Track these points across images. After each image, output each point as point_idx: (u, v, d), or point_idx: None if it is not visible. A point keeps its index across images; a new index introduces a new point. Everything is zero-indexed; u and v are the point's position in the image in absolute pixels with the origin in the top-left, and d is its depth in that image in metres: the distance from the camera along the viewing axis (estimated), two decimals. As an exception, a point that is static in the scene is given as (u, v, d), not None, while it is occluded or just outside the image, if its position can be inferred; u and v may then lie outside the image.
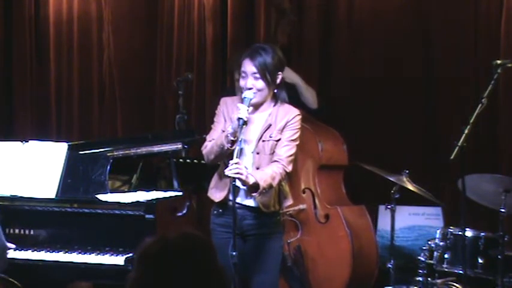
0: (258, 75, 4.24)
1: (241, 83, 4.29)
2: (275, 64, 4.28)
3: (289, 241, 5.33)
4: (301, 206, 5.36)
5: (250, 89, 4.24)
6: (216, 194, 4.34)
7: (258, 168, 4.24)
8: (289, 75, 5.56)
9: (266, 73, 4.24)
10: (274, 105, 4.33)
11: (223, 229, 4.26)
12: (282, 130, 4.28)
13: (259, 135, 4.28)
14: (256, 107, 4.29)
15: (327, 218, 5.33)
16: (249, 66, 4.26)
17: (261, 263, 4.32)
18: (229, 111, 4.32)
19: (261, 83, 4.26)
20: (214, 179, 4.39)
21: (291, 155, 4.28)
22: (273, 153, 4.27)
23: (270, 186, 4.19)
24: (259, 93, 4.26)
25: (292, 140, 4.29)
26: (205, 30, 6.42)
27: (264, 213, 4.31)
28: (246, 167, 4.19)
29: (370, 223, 5.49)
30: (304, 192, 5.40)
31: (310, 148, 5.38)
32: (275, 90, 4.33)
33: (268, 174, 4.18)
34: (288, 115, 4.30)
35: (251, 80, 4.25)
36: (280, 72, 4.32)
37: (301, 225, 5.37)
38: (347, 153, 5.53)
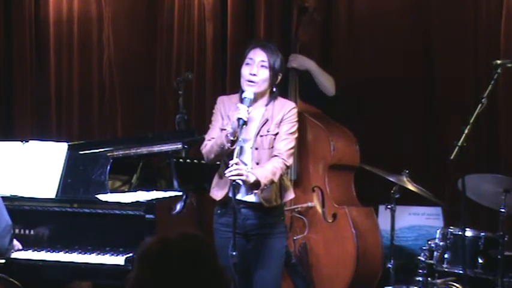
0: (266, 64, 4.25)
1: (245, 70, 4.29)
2: (281, 63, 4.32)
3: (295, 238, 5.34)
4: (310, 204, 5.37)
5: (254, 75, 4.23)
6: (218, 192, 4.34)
7: (257, 164, 4.24)
8: (302, 62, 5.56)
9: (274, 67, 4.25)
10: (270, 101, 4.33)
11: (226, 228, 4.26)
12: (279, 124, 4.28)
13: (257, 130, 4.28)
14: (254, 100, 4.28)
15: (334, 217, 5.33)
16: (258, 54, 4.27)
17: (263, 260, 4.32)
18: (226, 109, 4.32)
19: (265, 73, 4.26)
20: (215, 178, 4.40)
21: (290, 149, 4.28)
22: (271, 147, 4.27)
23: (271, 181, 4.20)
24: (261, 83, 4.26)
25: (290, 134, 4.29)
26: (205, 30, 6.42)
27: (267, 211, 4.30)
28: (245, 164, 4.19)
29: (378, 225, 5.47)
30: (313, 190, 5.40)
31: (322, 147, 5.39)
32: (274, 89, 4.33)
33: (268, 170, 4.18)
34: (284, 108, 4.31)
35: (257, 68, 4.25)
36: (281, 73, 4.35)
37: (309, 223, 5.37)
38: (359, 153, 5.52)
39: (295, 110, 4.35)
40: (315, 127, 5.39)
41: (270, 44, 4.40)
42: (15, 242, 4.43)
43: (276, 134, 4.28)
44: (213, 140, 4.28)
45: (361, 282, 5.34)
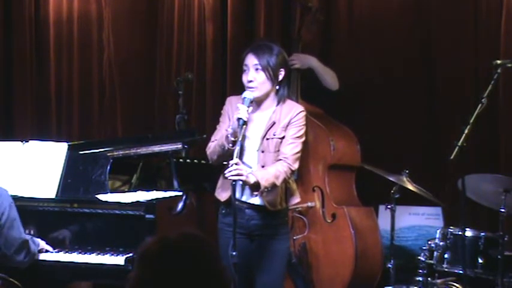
0: (259, 67, 4.22)
1: (243, 78, 4.27)
2: (278, 60, 4.26)
3: (295, 238, 5.34)
4: (310, 204, 5.38)
5: (251, 81, 4.23)
6: (222, 193, 4.33)
7: (263, 166, 4.22)
8: (305, 61, 5.57)
9: (268, 66, 4.22)
10: (278, 103, 4.31)
11: (230, 228, 4.20)
12: (286, 127, 4.25)
13: (263, 133, 4.26)
14: (259, 103, 4.27)
15: (334, 217, 5.34)
16: (250, 59, 4.25)
17: (266, 263, 4.31)
18: (233, 110, 4.28)
19: (262, 76, 4.23)
20: (220, 179, 4.37)
21: (296, 153, 4.25)
22: (277, 151, 4.25)
23: (273, 185, 4.17)
24: (260, 86, 4.23)
25: (297, 137, 4.26)
26: (205, 30, 6.42)
27: (271, 213, 4.28)
28: (248, 166, 4.18)
29: (377, 225, 5.48)
30: (314, 190, 5.40)
31: (322, 147, 5.40)
32: (277, 87, 4.30)
33: (271, 173, 4.16)
34: (292, 112, 4.27)
35: (252, 73, 4.23)
36: (282, 69, 4.30)
37: (309, 222, 5.37)
38: (360, 153, 5.52)
39: (303, 114, 4.29)
40: (315, 127, 5.39)
41: (263, 43, 4.36)
42: (42, 244, 4.42)
43: (283, 137, 4.25)
44: (215, 141, 4.27)
45: (361, 282, 5.34)
